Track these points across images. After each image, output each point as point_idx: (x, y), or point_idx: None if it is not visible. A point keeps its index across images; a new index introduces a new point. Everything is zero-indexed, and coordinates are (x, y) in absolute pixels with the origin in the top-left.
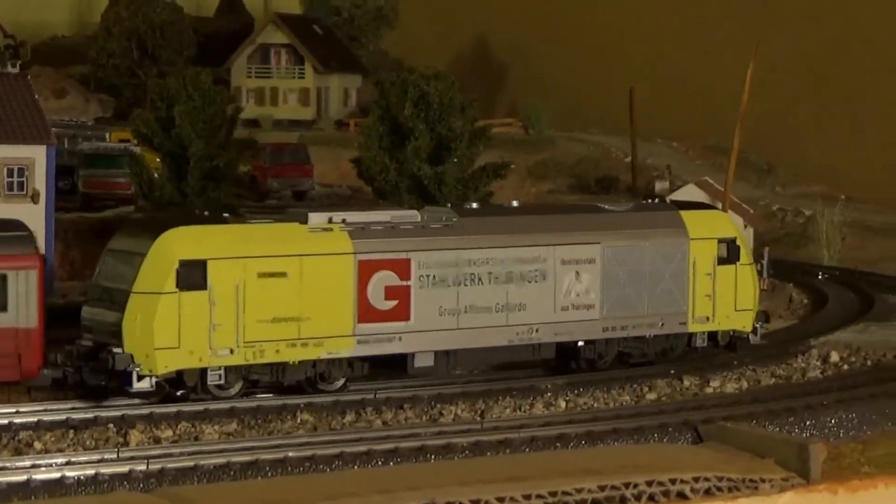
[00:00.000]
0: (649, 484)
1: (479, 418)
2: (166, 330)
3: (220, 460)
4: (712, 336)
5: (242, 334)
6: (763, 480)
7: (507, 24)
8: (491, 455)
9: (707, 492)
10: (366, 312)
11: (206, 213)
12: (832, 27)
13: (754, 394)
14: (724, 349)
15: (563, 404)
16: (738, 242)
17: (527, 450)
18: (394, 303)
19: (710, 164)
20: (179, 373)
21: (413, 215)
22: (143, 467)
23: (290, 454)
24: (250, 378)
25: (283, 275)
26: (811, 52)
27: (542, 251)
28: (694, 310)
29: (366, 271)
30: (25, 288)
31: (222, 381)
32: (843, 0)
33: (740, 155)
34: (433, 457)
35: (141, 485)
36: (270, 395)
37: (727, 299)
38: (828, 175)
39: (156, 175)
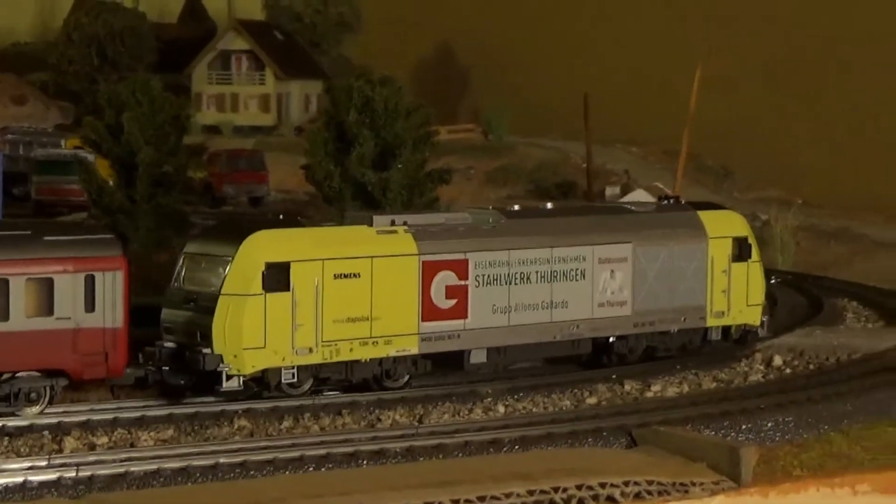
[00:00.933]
0: (579, 488)
1: (416, 423)
2: (253, 331)
3: (152, 467)
4: (724, 330)
5: (321, 334)
6: (694, 484)
7: (469, 32)
8: (424, 460)
9: (637, 496)
10: (429, 311)
11: (280, 217)
12: (788, 33)
13: (693, 398)
14: (735, 343)
15: (502, 409)
16: (749, 241)
17: (460, 455)
18: (453, 302)
19: (669, 169)
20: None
21: (466, 218)
22: (72, 474)
23: (222, 460)
24: (320, 376)
25: (356, 276)
26: (767, 57)
27: (582, 251)
28: (711, 305)
29: (429, 271)
30: (112, 289)
31: (295, 380)
32: (798, 7)
33: (698, 160)
34: (366, 462)
35: (70, 492)
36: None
37: (740, 295)
38: (784, 179)
39: (110, 182)
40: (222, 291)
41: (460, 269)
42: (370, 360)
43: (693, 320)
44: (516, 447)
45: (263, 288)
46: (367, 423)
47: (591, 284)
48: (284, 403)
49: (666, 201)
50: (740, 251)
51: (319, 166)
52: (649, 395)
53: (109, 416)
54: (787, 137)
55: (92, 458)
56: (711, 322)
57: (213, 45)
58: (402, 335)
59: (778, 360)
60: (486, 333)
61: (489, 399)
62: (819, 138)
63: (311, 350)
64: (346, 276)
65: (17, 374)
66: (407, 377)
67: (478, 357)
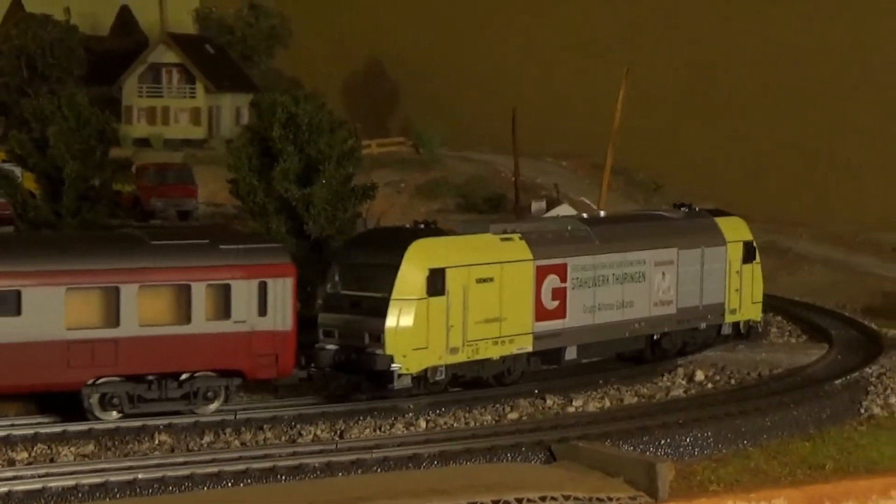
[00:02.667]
0: (495, 503)
1: (336, 438)
2: (420, 332)
3: (70, 482)
4: (734, 326)
5: (466, 334)
6: (611, 499)
7: (400, 46)
8: (343, 476)
9: None
10: (540, 312)
11: (420, 226)
12: (711, 51)
13: (614, 413)
14: (741, 337)
15: (423, 424)
16: (753, 244)
17: (379, 470)
18: (556, 303)
19: (598, 182)
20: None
21: (565, 225)
22: None
23: (140, 476)
24: (460, 374)
25: (491, 280)
26: (693, 74)
27: (644, 255)
28: (728, 303)
29: (541, 275)
30: (283, 294)
31: (443, 377)
32: (721, 20)
33: (628, 174)
34: (284, 478)
35: None
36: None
37: (747, 293)
38: (713, 194)
39: (37, 195)
40: (393, 296)
41: (562, 272)
42: (499, 358)
43: (716, 317)
44: (435, 462)
45: (427, 293)
46: (289, 438)
47: (649, 285)
48: (205, 419)
49: (684, 208)
50: (747, 253)
51: (243, 181)
52: (571, 410)
53: (30, 432)
54: (715, 152)
55: (10, 474)
56: (728, 319)
57: (143, 58)
58: (521, 334)
59: (700, 375)
60: (579, 331)
61: (411, 414)
62: (745, 153)
63: (457, 350)
64: (484, 281)
65: (196, 374)
66: (521, 373)
67: (571, 354)
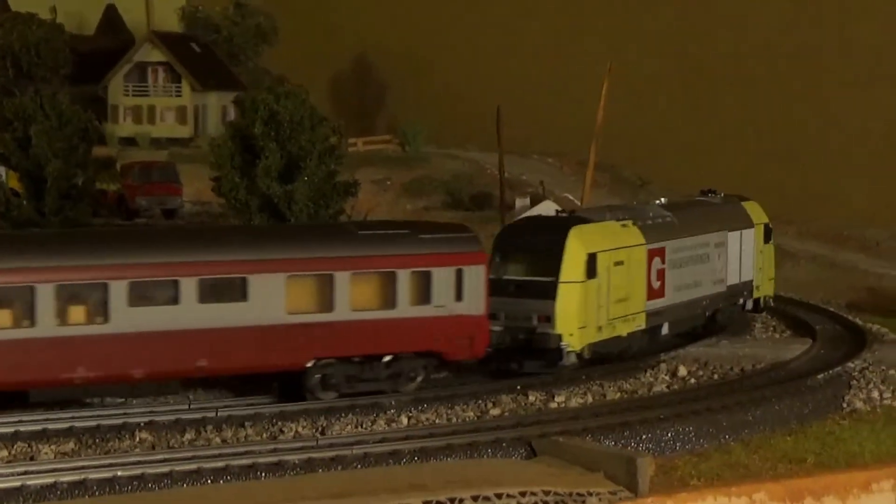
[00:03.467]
0: (475, 499)
1: (318, 435)
2: (581, 312)
3: (48, 480)
4: (755, 301)
5: (608, 313)
6: (591, 494)
7: (387, 44)
8: (323, 472)
9: None
10: (650, 291)
11: (562, 213)
12: (698, 44)
13: (596, 409)
14: (759, 311)
15: (405, 421)
16: (770, 226)
17: (359, 466)
18: (659, 283)
19: (584, 179)
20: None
21: (664, 213)
22: None
23: (120, 473)
24: (600, 351)
25: (622, 263)
26: (680, 68)
27: (708, 238)
28: (755, 280)
29: (650, 258)
30: (476, 281)
31: (590, 354)
32: (708, 19)
33: (614, 170)
34: (264, 474)
35: None
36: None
37: (766, 271)
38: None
39: (21, 194)
40: (560, 279)
41: (662, 255)
42: (626, 335)
43: (748, 293)
44: (416, 459)
45: (585, 275)
46: (270, 435)
47: (711, 265)
48: (187, 416)
49: (711, 194)
50: (766, 234)
51: (226, 178)
52: (553, 405)
53: (10, 430)
54: (701, 149)
55: None
56: (754, 294)
57: (129, 57)
58: (639, 313)
59: (683, 371)
60: (673, 309)
61: (392, 410)
62: (731, 150)
63: (602, 328)
64: (619, 264)
65: (400, 356)
66: (636, 349)
67: (665, 329)
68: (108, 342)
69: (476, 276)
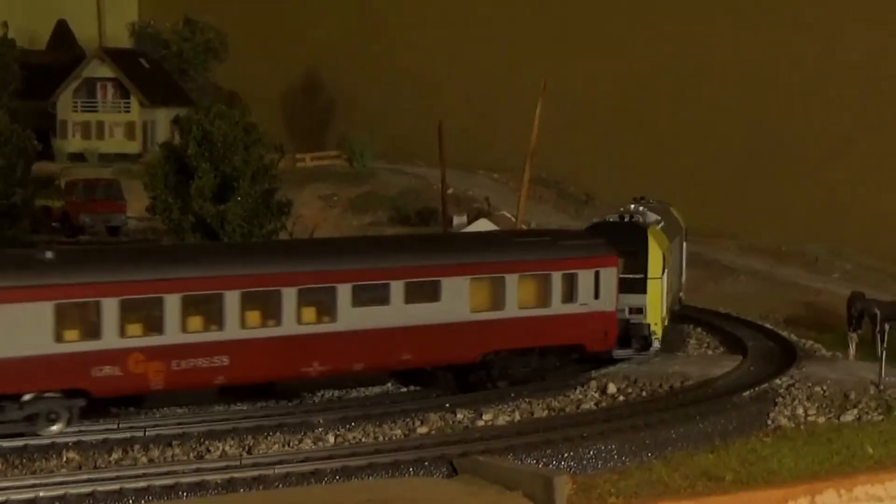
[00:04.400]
0: None
1: (244, 454)
2: (661, 304)
3: None
4: None
5: (666, 306)
6: None
7: (336, 60)
8: (244, 492)
9: None
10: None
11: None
12: (641, 61)
13: (520, 427)
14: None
15: (332, 439)
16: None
17: (280, 486)
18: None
19: (529, 195)
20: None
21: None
22: None
23: (42, 494)
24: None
25: (668, 262)
26: (624, 85)
27: (676, 241)
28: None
29: (668, 256)
30: (610, 281)
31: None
32: (651, 35)
33: (559, 187)
34: (186, 494)
35: None
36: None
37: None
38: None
39: None
40: (648, 276)
41: (669, 256)
42: (666, 325)
43: (682, 295)
44: (337, 478)
45: (661, 272)
46: (196, 455)
47: (677, 268)
48: (115, 436)
49: (643, 201)
50: (686, 234)
51: (160, 199)
52: (480, 423)
53: None
54: (644, 165)
55: None
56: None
57: (77, 72)
58: (671, 307)
59: (612, 388)
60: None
61: (320, 429)
62: (674, 166)
63: (664, 319)
64: (666, 261)
65: (550, 349)
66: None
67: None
68: (335, 339)
69: (609, 277)
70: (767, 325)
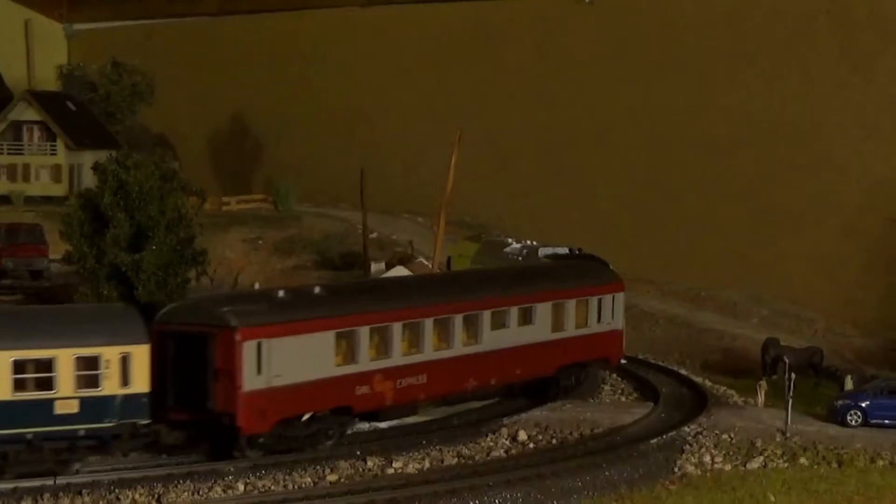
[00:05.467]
0: None
1: (156, 503)
2: None
3: None
4: None
5: None
6: None
7: (262, 103)
8: None
9: None
10: None
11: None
12: (564, 108)
13: (428, 475)
14: None
15: (241, 487)
16: None
17: None
18: None
19: (452, 239)
20: None
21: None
22: None
23: None
24: None
25: None
26: (547, 133)
27: None
28: None
29: None
30: (621, 303)
31: None
32: (572, 85)
33: (484, 231)
34: None
35: None
36: None
37: None
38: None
39: None
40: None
41: None
42: None
43: None
44: None
45: None
46: (107, 503)
47: None
48: (25, 484)
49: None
50: None
51: (75, 248)
52: (390, 471)
53: None
54: (567, 211)
55: None
56: None
57: (4, 115)
58: None
59: (523, 435)
60: None
61: (230, 477)
62: (596, 212)
63: None
64: None
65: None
66: None
67: None
68: (482, 359)
69: (620, 300)
70: (683, 371)
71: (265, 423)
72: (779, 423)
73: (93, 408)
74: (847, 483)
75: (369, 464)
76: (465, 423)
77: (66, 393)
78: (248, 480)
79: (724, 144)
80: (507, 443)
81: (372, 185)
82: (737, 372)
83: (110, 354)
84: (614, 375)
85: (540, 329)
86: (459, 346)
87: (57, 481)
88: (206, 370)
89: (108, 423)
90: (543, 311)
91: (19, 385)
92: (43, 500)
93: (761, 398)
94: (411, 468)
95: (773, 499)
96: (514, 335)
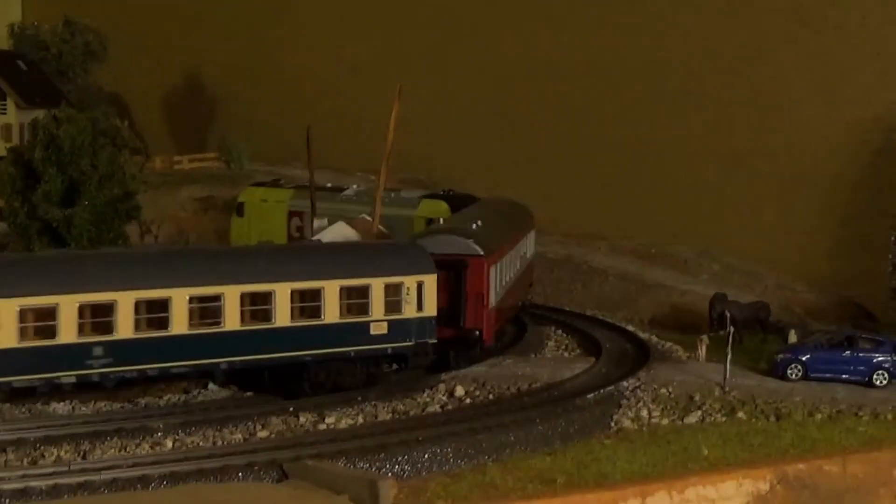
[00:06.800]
0: None
1: (79, 459)
2: None
3: None
4: None
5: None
6: None
7: (216, 61)
8: (69, 497)
9: None
10: None
11: None
12: (513, 65)
13: (357, 431)
14: None
15: (170, 444)
16: None
17: (106, 491)
18: None
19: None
20: None
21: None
22: None
23: None
24: None
25: None
26: (496, 89)
27: None
28: None
29: None
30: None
31: None
32: (522, 39)
33: (432, 188)
34: (8, 501)
35: None
36: None
37: None
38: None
39: None
40: None
41: None
42: None
43: None
44: (165, 483)
45: None
46: (31, 460)
47: None
48: None
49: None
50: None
51: (6, 204)
52: (322, 427)
53: None
54: (517, 168)
55: None
56: None
57: None
58: None
59: (460, 391)
60: None
61: (160, 434)
62: (546, 169)
63: None
64: None
65: None
66: None
67: None
68: None
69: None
70: (629, 328)
71: (493, 336)
72: (719, 378)
73: (397, 329)
74: (783, 436)
75: (301, 419)
76: (402, 380)
77: (378, 316)
78: (177, 437)
79: (675, 99)
80: (444, 398)
81: (324, 144)
82: (685, 328)
83: (410, 283)
84: (559, 331)
85: None
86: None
87: None
88: (460, 292)
89: (408, 342)
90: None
91: (346, 310)
92: None
93: (702, 353)
94: (344, 424)
95: (706, 452)
96: None
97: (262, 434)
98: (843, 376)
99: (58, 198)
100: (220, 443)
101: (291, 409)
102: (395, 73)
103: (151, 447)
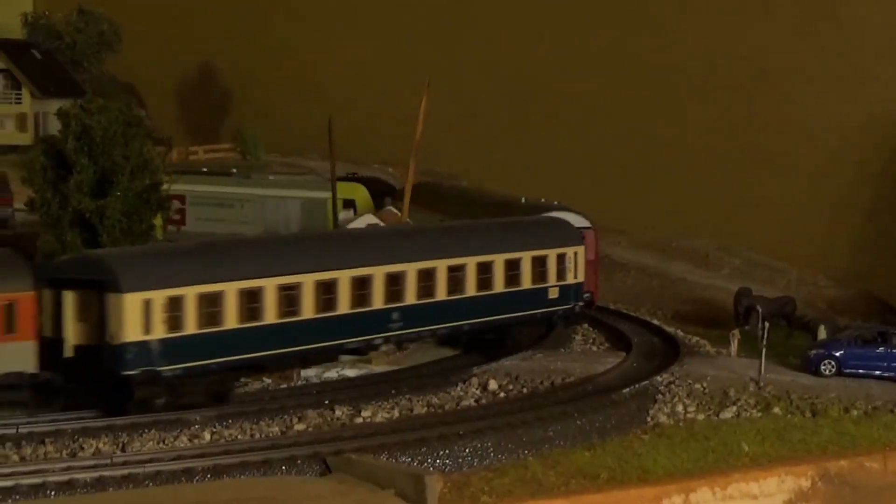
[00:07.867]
0: None
1: (119, 452)
2: None
3: None
4: None
5: None
6: None
7: (231, 52)
8: (113, 490)
9: None
10: None
11: None
12: (531, 59)
13: (397, 424)
14: None
15: (208, 436)
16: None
17: (150, 484)
18: None
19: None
20: None
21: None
22: None
23: None
24: None
25: None
26: (515, 81)
27: None
28: None
29: None
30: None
31: None
32: (539, 34)
33: (454, 181)
34: (54, 493)
35: None
36: None
37: None
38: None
39: None
40: None
41: None
42: None
43: None
44: (209, 476)
45: None
46: (70, 452)
47: None
48: None
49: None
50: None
51: (38, 195)
52: (359, 420)
53: None
54: (536, 161)
55: None
56: None
57: None
58: None
59: (494, 385)
60: None
61: (197, 426)
62: (564, 162)
63: None
64: None
65: None
66: None
67: None
68: None
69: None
70: (654, 322)
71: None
72: (752, 373)
73: (564, 293)
74: (821, 433)
75: (337, 413)
76: (435, 373)
77: (552, 282)
78: (214, 429)
79: (695, 92)
80: (478, 392)
81: (340, 136)
82: (708, 322)
83: (570, 254)
84: (585, 325)
85: None
86: None
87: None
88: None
89: (570, 305)
90: None
91: (537, 277)
92: (3, 448)
93: (734, 348)
94: (380, 417)
95: (746, 448)
96: None
97: (300, 427)
98: (877, 372)
99: (89, 188)
100: (257, 435)
101: (327, 402)
102: (409, 64)
103: (190, 440)
